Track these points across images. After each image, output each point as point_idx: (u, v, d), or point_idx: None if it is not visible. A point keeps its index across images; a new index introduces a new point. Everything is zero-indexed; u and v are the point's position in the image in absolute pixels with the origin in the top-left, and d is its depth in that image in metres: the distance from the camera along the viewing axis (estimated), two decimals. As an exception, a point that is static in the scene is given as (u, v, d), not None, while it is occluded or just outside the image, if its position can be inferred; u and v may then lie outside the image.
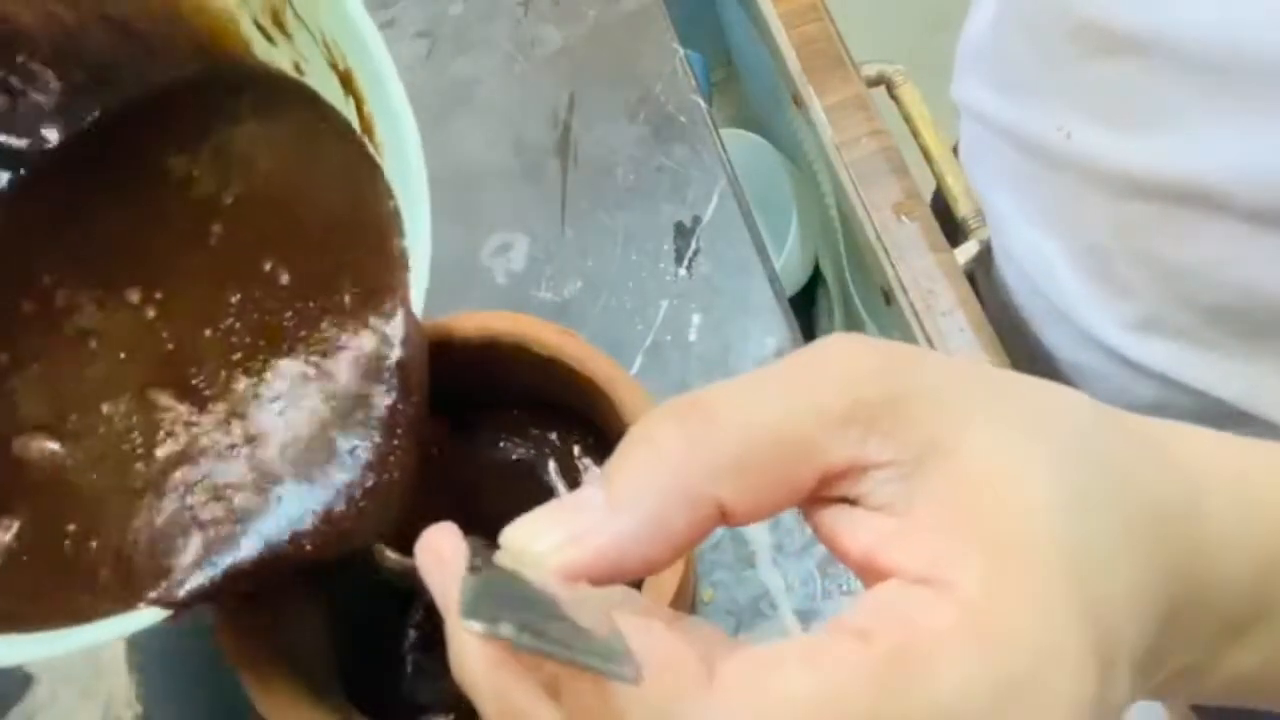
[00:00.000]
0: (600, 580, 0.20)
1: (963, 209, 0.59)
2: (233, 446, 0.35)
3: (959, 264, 0.54)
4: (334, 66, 0.36)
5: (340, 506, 0.32)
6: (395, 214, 0.35)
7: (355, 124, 0.37)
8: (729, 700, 0.18)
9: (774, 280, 0.50)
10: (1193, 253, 0.42)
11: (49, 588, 0.33)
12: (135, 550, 0.33)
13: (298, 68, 0.38)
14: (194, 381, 0.36)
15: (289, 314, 0.36)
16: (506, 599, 0.18)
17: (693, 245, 0.50)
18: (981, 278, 0.60)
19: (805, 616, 0.43)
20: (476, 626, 0.16)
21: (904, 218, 0.54)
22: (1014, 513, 0.19)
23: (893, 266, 0.54)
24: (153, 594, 0.31)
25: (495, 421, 0.42)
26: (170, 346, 0.37)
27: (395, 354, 0.33)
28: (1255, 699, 0.26)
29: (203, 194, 0.39)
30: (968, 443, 0.20)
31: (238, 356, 0.36)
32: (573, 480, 0.41)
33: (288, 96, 0.39)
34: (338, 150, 0.38)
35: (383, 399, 0.33)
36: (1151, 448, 0.22)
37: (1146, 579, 0.20)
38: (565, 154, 0.53)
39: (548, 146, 0.53)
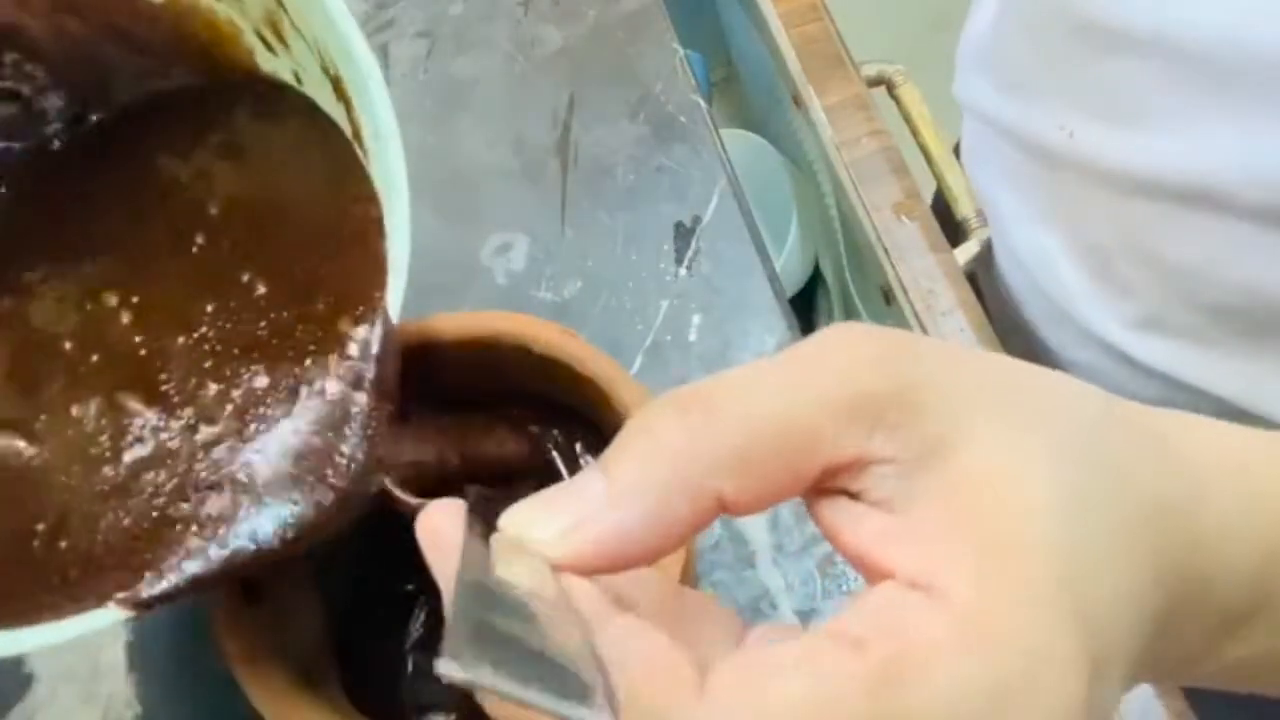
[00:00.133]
0: (599, 570, 0.20)
1: (963, 209, 0.59)
2: (200, 452, 0.35)
3: (959, 264, 0.54)
4: (326, 72, 0.36)
5: (309, 512, 0.32)
6: (379, 220, 0.36)
7: (347, 129, 0.37)
8: (718, 710, 0.18)
9: (774, 280, 0.50)
10: (1194, 252, 0.42)
11: (17, 586, 0.33)
12: (103, 551, 0.33)
13: (297, 77, 0.38)
14: (163, 387, 0.36)
15: (264, 323, 0.37)
16: (491, 635, 0.18)
17: (693, 245, 0.50)
18: (982, 277, 0.60)
19: (805, 616, 0.43)
20: (456, 671, 0.16)
21: (904, 218, 0.54)
22: (1011, 516, 0.19)
23: (893, 266, 0.54)
24: (120, 594, 0.31)
25: (496, 420, 0.42)
26: (143, 352, 0.37)
27: (370, 359, 0.33)
28: (1253, 685, 0.26)
29: (190, 201, 0.40)
30: (969, 441, 0.20)
31: (209, 364, 0.36)
32: (574, 471, 0.41)
33: (285, 106, 0.39)
34: (330, 160, 0.38)
35: (356, 403, 0.33)
36: (1155, 441, 0.22)
37: (1143, 578, 0.20)
38: (565, 154, 0.53)
39: (548, 146, 0.53)
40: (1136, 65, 0.41)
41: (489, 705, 0.20)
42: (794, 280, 0.86)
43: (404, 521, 0.35)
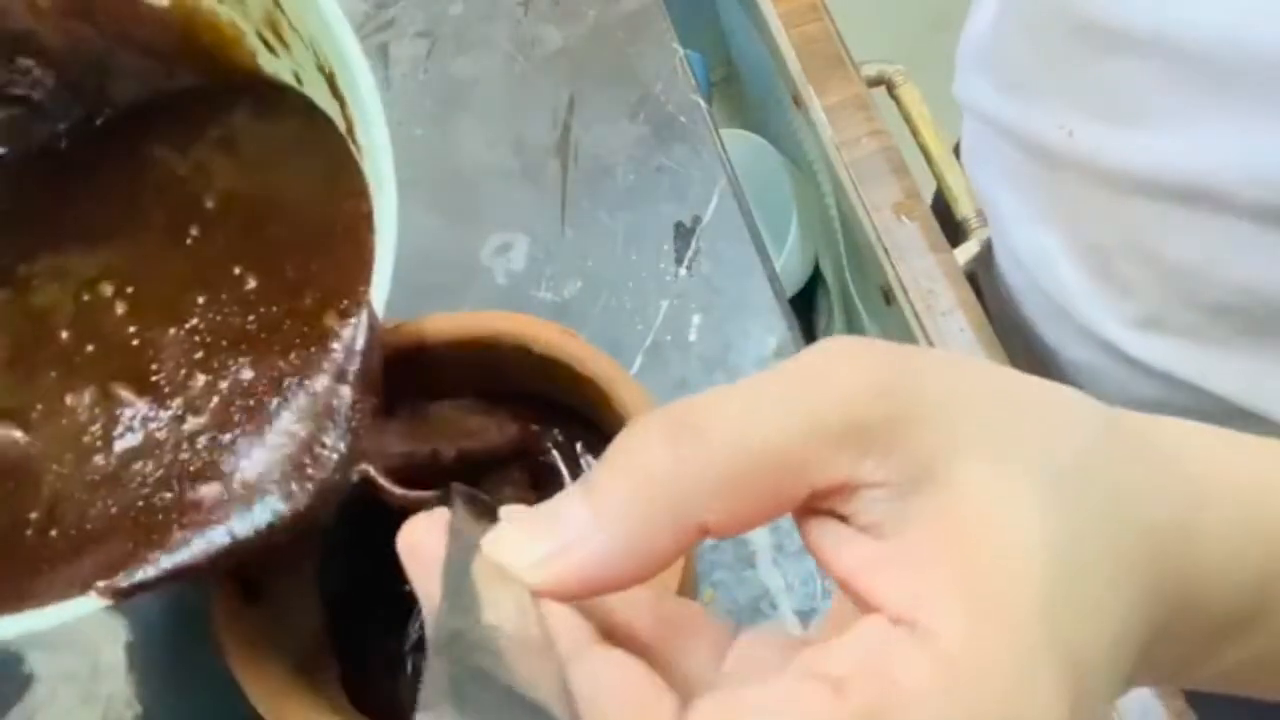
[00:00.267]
0: (580, 596, 0.20)
1: (963, 209, 0.59)
2: (186, 442, 0.35)
3: (959, 264, 0.54)
4: (321, 70, 0.37)
5: (289, 504, 0.32)
6: (370, 216, 0.36)
7: (343, 126, 0.37)
8: None
9: (774, 280, 0.50)
10: (1194, 251, 0.42)
11: (7, 574, 0.33)
12: (90, 540, 0.34)
13: (297, 77, 0.39)
14: (154, 378, 0.37)
15: (253, 316, 0.37)
16: (468, 680, 0.18)
17: (693, 245, 0.50)
18: (982, 276, 0.60)
19: (805, 616, 0.43)
20: None
21: (904, 218, 0.54)
22: (1000, 551, 0.19)
23: (893, 266, 0.54)
24: (100, 583, 0.31)
25: (497, 419, 0.42)
26: (135, 342, 0.38)
27: (355, 353, 0.33)
28: (1252, 688, 0.26)
29: (187, 195, 0.40)
30: (963, 470, 0.19)
31: (199, 355, 0.37)
32: (576, 473, 0.41)
33: (285, 106, 0.40)
34: (326, 158, 0.38)
35: (340, 397, 0.33)
36: (1153, 459, 0.22)
37: (1135, 615, 0.20)
38: (565, 154, 0.53)
39: (548, 146, 0.53)
40: (1136, 65, 0.41)
41: None
42: (794, 280, 0.86)
43: (402, 519, 0.35)
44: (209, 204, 0.40)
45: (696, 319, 0.49)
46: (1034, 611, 0.18)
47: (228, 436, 0.34)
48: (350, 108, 0.36)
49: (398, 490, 0.34)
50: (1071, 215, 0.49)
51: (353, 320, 0.33)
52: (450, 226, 0.52)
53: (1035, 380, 0.22)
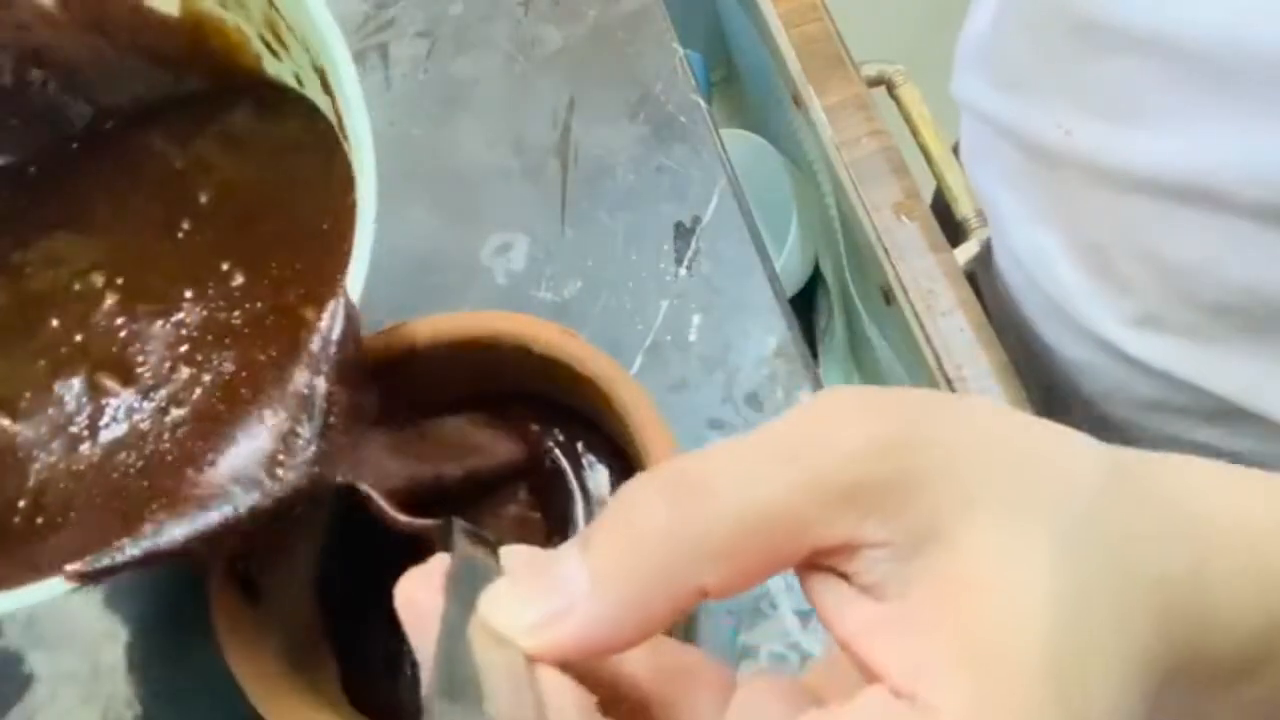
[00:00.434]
0: (577, 659, 0.20)
1: (963, 209, 0.59)
2: (167, 433, 0.36)
3: (959, 264, 0.54)
4: (316, 68, 0.37)
5: (260, 497, 0.32)
6: (354, 208, 0.36)
7: (335, 121, 0.38)
8: None
9: (774, 280, 0.50)
10: (1193, 250, 0.42)
11: None
12: (74, 527, 0.34)
13: (298, 79, 0.39)
14: (140, 369, 0.37)
15: (238, 311, 0.38)
16: None
17: (693, 245, 0.50)
18: (981, 276, 0.60)
19: (805, 617, 0.43)
20: None
21: (904, 218, 0.54)
22: (1005, 614, 0.19)
23: (893, 266, 0.54)
24: (69, 567, 0.31)
25: (492, 423, 0.42)
26: (123, 333, 0.38)
27: (331, 343, 0.33)
28: None
29: (183, 190, 0.41)
30: (966, 530, 0.19)
31: (185, 349, 0.37)
32: (578, 473, 0.41)
33: (287, 107, 0.40)
34: (322, 157, 0.39)
35: (316, 388, 0.33)
36: (1164, 508, 0.22)
37: (1144, 668, 0.20)
38: (565, 154, 0.53)
39: (548, 146, 0.53)
40: (1135, 64, 0.41)
41: None
42: (794, 280, 0.86)
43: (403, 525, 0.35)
44: (203, 199, 0.40)
45: (696, 319, 0.49)
46: (1040, 669, 0.18)
47: (207, 428, 0.35)
48: (338, 98, 0.36)
49: (401, 517, 0.34)
50: (1070, 214, 0.49)
51: (329, 311, 0.33)
52: (450, 226, 0.52)
53: (1040, 426, 0.22)
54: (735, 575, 0.19)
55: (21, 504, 0.35)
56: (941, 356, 0.51)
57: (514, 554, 0.22)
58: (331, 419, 0.32)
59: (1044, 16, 0.46)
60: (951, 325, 0.52)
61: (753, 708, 0.21)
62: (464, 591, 0.21)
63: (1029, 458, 0.21)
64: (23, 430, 0.37)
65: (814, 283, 0.88)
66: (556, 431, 0.42)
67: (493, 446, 0.39)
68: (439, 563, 0.22)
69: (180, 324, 0.38)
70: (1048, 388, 0.56)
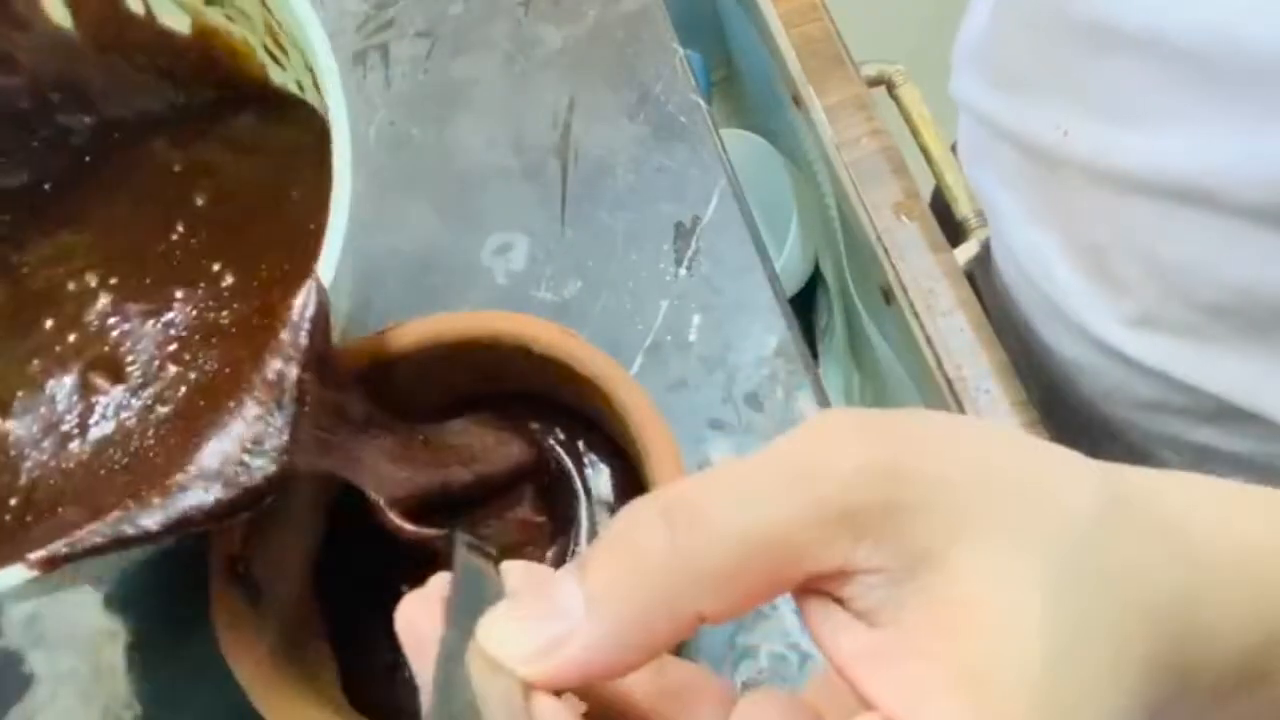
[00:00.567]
0: (575, 686, 0.20)
1: (963, 209, 0.59)
2: (152, 430, 0.36)
3: (959, 264, 0.54)
4: (308, 66, 0.37)
5: (227, 490, 0.31)
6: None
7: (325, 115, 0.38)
8: None
9: (774, 280, 0.50)
10: (1191, 250, 0.42)
11: None
12: (59, 522, 0.34)
13: (299, 85, 0.39)
14: (130, 368, 0.38)
15: (226, 311, 0.38)
16: None
17: (693, 245, 0.50)
18: (981, 276, 0.60)
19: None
20: None
21: (904, 218, 0.54)
22: (998, 640, 0.19)
23: (893, 266, 0.54)
24: (31, 555, 0.30)
25: (503, 418, 0.42)
26: (115, 333, 0.39)
27: (302, 329, 0.32)
28: None
29: (180, 193, 0.41)
30: (959, 556, 0.19)
31: (174, 348, 0.38)
32: (581, 472, 0.41)
33: (288, 114, 0.41)
34: (315, 160, 0.39)
35: (288, 375, 0.32)
36: (1161, 530, 0.22)
37: (1137, 693, 0.20)
38: (565, 154, 0.53)
39: (548, 146, 0.53)
40: (1133, 64, 0.41)
41: None
42: (794, 280, 0.86)
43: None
44: (199, 202, 0.41)
45: (696, 319, 0.49)
46: (1035, 694, 0.18)
47: (189, 424, 0.35)
48: (311, 65, 0.36)
49: (407, 526, 0.34)
50: (1068, 214, 0.49)
51: (301, 298, 0.33)
52: (450, 226, 0.52)
53: (1040, 451, 0.22)
54: (733, 600, 0.19)
55: (13, 502, 0.35)
56: (941, 356, 0.51)
57: (512, 571, 0.22)
58: (305, 407, 0.32)
59: (1042, 17, 0.46)
60: (951, 325, 0.52)
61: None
62: (462, 615, 0.21)
63: (1026, 485, 0.21)
64: (15, 429, 0.37)
65: (814, 283, 0.88)
66: (557, 431, 0.42)
67: (500, 450, 0.39)
68: (439, 584, 0.22)
69: (170, 323, 0.38)
70: (1047, 388, 0.56)
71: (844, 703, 0.20)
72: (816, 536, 0.19)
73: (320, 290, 0.32)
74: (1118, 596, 0.20)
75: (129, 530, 0.30)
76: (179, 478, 0.31)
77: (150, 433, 0.36)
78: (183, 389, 0.37)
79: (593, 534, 0.40)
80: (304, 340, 0.32)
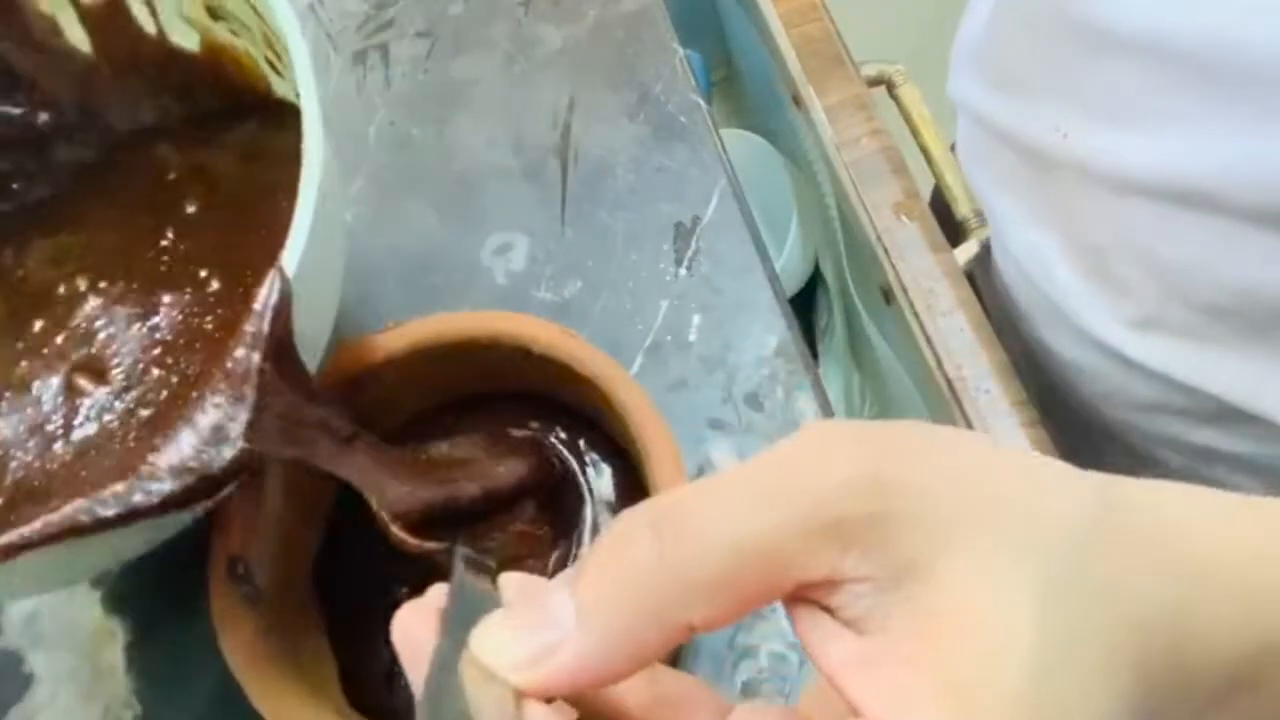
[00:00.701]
0: (566, 694, 0.20)
1: (963, 209, 0.59)
2: (133, 432, 0.36)
3: (959, 264, 0.54)
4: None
5: (195, 475, 0.31)
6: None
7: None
8: None
9: (774, 280, 0.50)
10: (1190, 251, 0.42)
11: None
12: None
13: (297, 94, 0.40)
14: (114, 371, 0.38)
15: (210, 317, 0.38)
16: None
17: (693, 245, 0.50)
18: (981, 276, 0.60)
19: (805, 616, 0.43)
20: None
21: (904, 218, 0.54)
22: (986, 651, 0.19)
23: (893, 266, 0.54)
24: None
25: (499, 417, 0.42)
26: (102, 336, 0.39)
27: (264, 317, 0.32)
28: None
29: (173, 199, 0.42)
30: (948, 566, 0.19)
31: (158, 351, 0.38)
32: (584, 472, 0.41)
33: (287, 121, 0.41)
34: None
35: (250, 363, 0.32)
36: (1153, 541, 0.22)
37: (1125, 704, 0.20)
38: (565, 154, 0.53)
39: (548, 146, 0.53)
40: (1131, 66, 0.41)
41: None
42: (794, 280, 0.86)
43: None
44: (190, 209, 0.41)
45: (696, 319, 0.49)
46: (1018, 708, 0.18)
47: (166, 425, 0.35)
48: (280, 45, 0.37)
49: (410, 540, 0.34)
50: (1067, 216, 0.49)
51: (264, 285, 0.32)
52: (450, 226, 0.52)
53: (1031, 464, 0.22)
54: (722, 610, 0.20)
55: None
56: (941, 356, 0.51)
57: (509, 583, 0.22)
58: (265, 395, 0.31)
59: (1041, 18, 0.46)
60: (951, 325, 0.52)
61: None
62: (457, 626, 0.21)
63: (1015, 497, 0.21)
64: (2, 429, 0.38)
65: (814, 283, 0.88)
66: (557, 431, 0.42)
67: (505, 465, 0.39)
68: (436, 595, 0.22)
69: (155, 327, 0.39)
70: (1047, 388, 0.56)
71: (837, 713, 0.20)
72: (804, 546, 0.19)
73: (284, 280, 0.32)
74: (1107, 607, 0.20)
75: (84, 519, 0.30)
76: (142, 468, 0.31)
77: (132, 435, 0.36)
78: (164, 392, 0.37)
79: (596, 535, 0.40)
80: (265, 329, 0.32)
